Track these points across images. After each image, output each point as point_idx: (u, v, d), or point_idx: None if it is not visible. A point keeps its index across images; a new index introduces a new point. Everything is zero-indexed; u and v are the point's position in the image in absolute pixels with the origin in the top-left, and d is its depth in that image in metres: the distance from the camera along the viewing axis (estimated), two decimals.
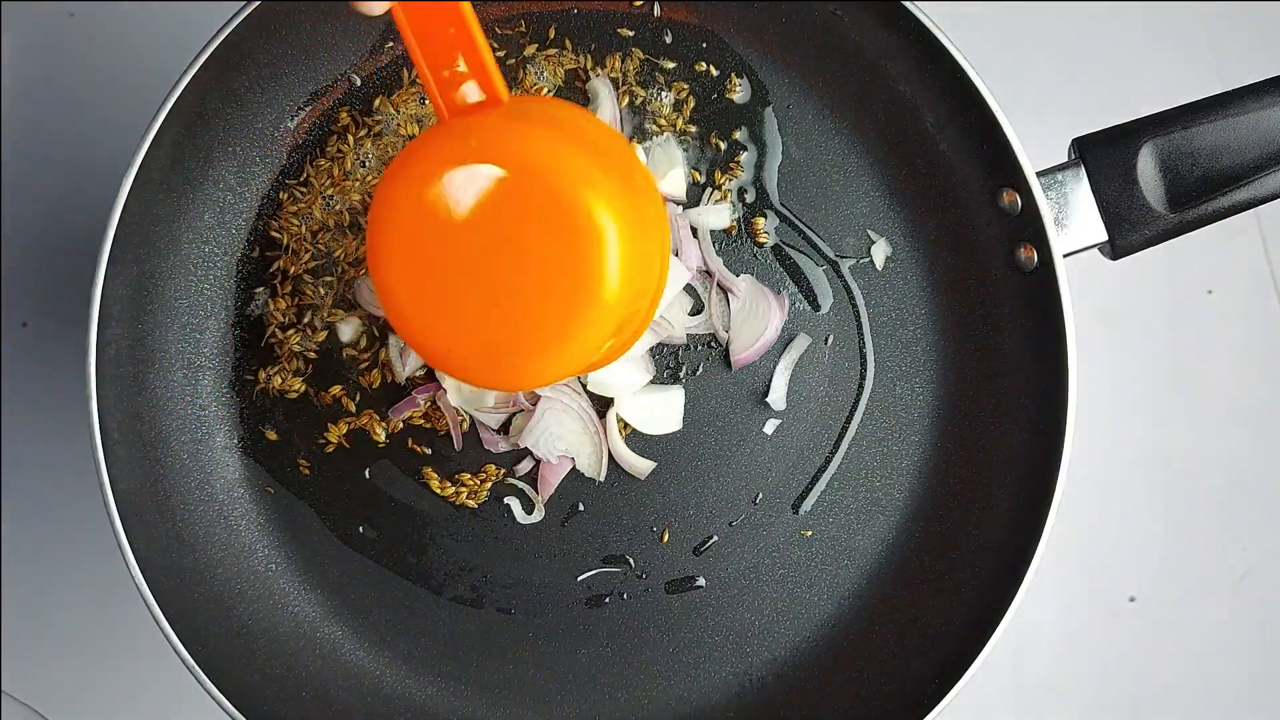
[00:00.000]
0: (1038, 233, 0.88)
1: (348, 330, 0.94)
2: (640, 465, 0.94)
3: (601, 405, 0.94)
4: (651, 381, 0.94)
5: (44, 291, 1.07)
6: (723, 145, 0.96)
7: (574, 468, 0.94)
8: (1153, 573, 1.10)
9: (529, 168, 0.70)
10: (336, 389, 0.94)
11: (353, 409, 0.94)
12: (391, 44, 0.95)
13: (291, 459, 0.94)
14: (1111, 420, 1.10)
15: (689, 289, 0.95)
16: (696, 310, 0.95)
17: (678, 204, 0.95)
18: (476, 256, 0.70)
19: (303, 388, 0.94)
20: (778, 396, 0.95)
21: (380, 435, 0.94)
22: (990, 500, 0.93)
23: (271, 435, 0.94)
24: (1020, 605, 0.87)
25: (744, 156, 0.96)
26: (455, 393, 0.91)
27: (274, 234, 0.94)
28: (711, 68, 0.96)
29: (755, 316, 0.94)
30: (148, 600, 0.84)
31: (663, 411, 0.94)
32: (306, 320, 0.94)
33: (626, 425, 0.94)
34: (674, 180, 0.94)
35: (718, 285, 0.95)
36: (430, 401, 0.93)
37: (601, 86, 0.95)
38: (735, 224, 0.96)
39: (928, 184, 0.96)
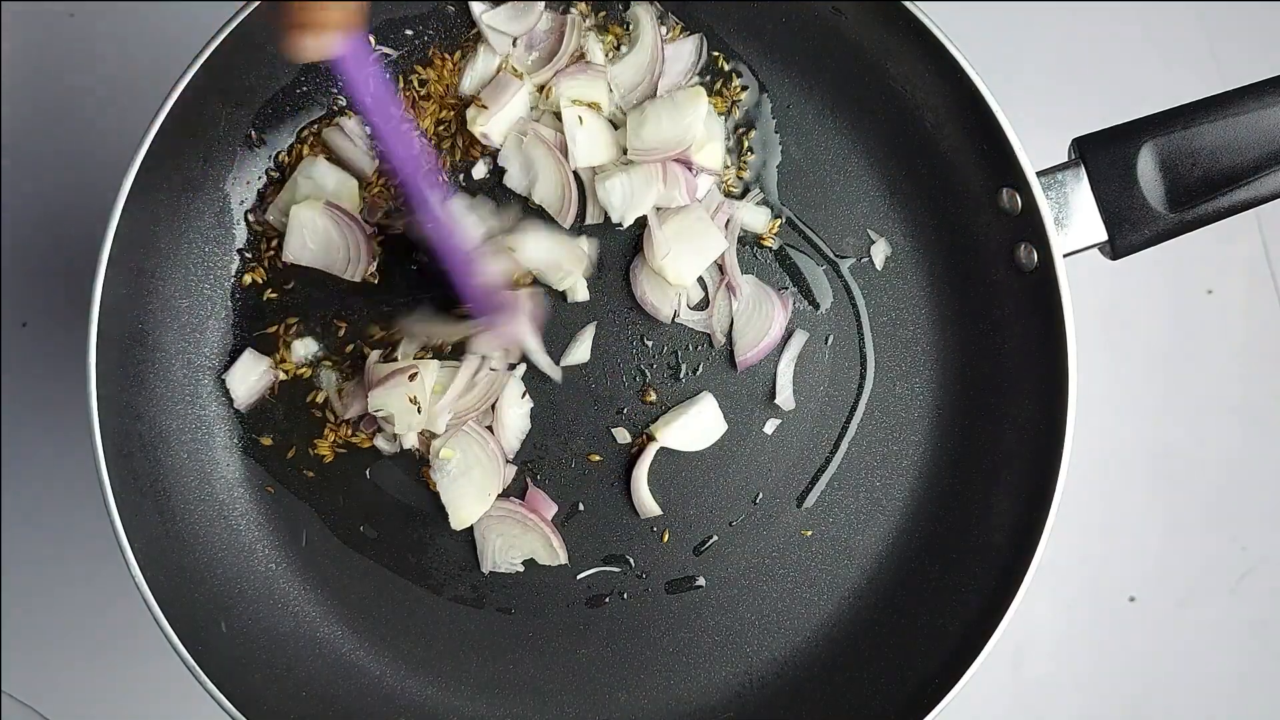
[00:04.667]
0: (1038, 233, 0.88)
1: (301, 348, 0.94)
2: (650, 508, 0.94)
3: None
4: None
5: (44, 291, 1.07)
6: (729, 144, 0.96)
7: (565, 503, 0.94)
8: (1153, 573, 1.10)
9: None
10: (320, 394, 0.93)
11: (333, 419, 0.94)
12: (386, 49, 0.95)
13: (291, 459, 0.94)
14: (1111, 420, 1.10)
15: (699, 281, 0.95)
16: (702, 306, 0.95)
17: (713, 176, 0.94)
18: None
19: (320, 355, 0.94)
20: (785, 396, 0.95)
21: (367, 443, 0.94)
22: (990, 500, 0.93)
23: (266, 441, 0.94)
24: (1020, 605, 0.87)
25: (744, 156, 0.96)
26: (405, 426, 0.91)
27: (254, 226, 0.94)
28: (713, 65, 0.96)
29: (759, 317, 0.94)
30: (148, 600, 0.84)
31: (701, 424, 0.94)
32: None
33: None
34: (712, 154, 0.94)
35: (726, 284, 0.95)
36: None
37: (644, 14, 0.93)
38: (772, 228, 0.96)
39: (928, 184, 0.96)
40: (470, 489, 0.91)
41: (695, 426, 0.94)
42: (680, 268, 0.92)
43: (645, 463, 0.93)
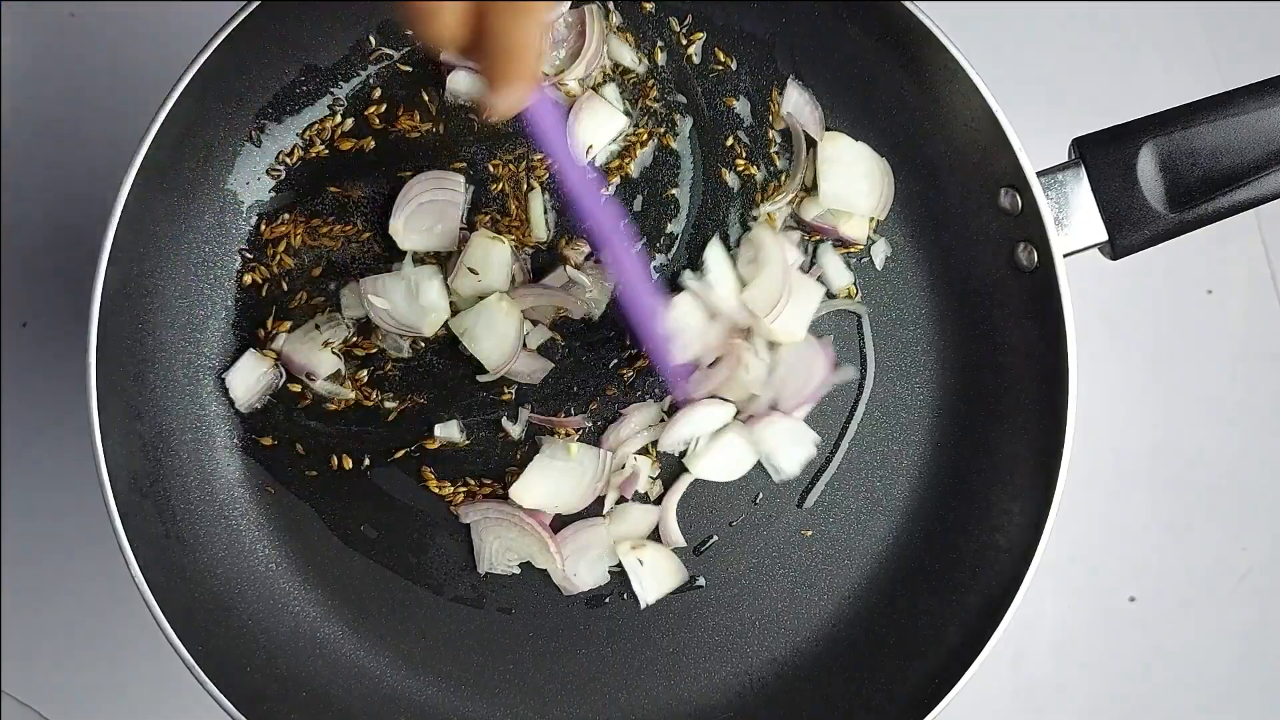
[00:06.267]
0: (1038, 233, 0.88)
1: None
2: (675, 538, 0.94)
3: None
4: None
5: (44, 291, 1.07)
6: (729, 142, 0.96)
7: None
8: (1153, 573, 1.10)
9: None
10: (296, 386, 0.94)
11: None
12: (387, 49, 0.95)
13: (292, 459, 0.94)
14: (1111, 420, 1.10)
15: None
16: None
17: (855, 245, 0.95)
18: None
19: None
20: None
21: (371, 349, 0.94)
22: (990, 500, 0.93)
23: (267, 441, 0.94)
24: (1020, 605, 0.87)
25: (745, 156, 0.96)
26: None
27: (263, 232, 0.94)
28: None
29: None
30: (148, 600, 0.84)
31: (733, 453, 0.94)
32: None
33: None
34: (859, 225, 0.95)
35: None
36: None
37: (768, 238, 0.94)
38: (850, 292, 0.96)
39: (928, 184, 0.96)
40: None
41: (726, 450, 0.94)
42: (790, 327, 0.92)
43: (675, 496, 0.93)
